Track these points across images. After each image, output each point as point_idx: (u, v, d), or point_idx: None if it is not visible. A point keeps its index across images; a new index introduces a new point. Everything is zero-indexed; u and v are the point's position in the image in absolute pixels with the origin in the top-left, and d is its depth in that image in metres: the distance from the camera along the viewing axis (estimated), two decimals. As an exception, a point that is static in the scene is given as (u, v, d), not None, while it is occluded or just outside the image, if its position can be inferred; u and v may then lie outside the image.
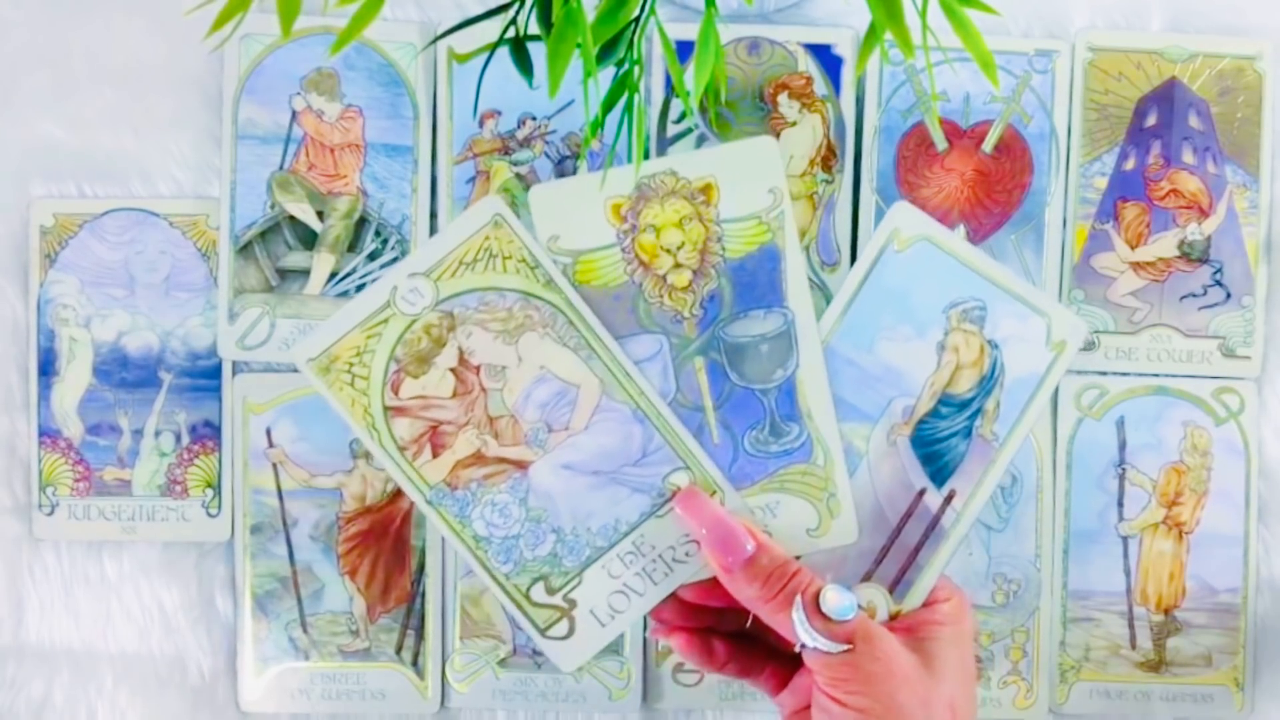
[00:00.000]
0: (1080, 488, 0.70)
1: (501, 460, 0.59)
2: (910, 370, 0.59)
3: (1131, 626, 0.70)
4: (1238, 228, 0.70)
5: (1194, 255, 0.70)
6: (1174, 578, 0.70)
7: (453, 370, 0.59)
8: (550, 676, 0.70)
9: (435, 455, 0.59)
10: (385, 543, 0.70)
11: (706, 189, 0.59)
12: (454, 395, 0.59)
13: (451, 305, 0.59)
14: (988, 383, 0.59)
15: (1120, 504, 0.70)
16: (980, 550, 0.70)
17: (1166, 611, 0.70)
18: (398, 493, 0.69)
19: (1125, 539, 0.70)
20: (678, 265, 0.59)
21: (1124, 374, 0.70)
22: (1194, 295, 0.70)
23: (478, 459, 0.59)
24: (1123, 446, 0.70)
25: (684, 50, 0.68)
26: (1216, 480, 0.70)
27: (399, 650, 0.70)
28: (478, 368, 0.59)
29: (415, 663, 0.70)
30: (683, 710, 0.71)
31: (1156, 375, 0.71)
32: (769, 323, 0.59)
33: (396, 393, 0.59)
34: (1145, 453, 0.70)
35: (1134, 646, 0.70)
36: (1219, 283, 0.70)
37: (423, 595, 0.70)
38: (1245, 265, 0.70)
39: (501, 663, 0.70)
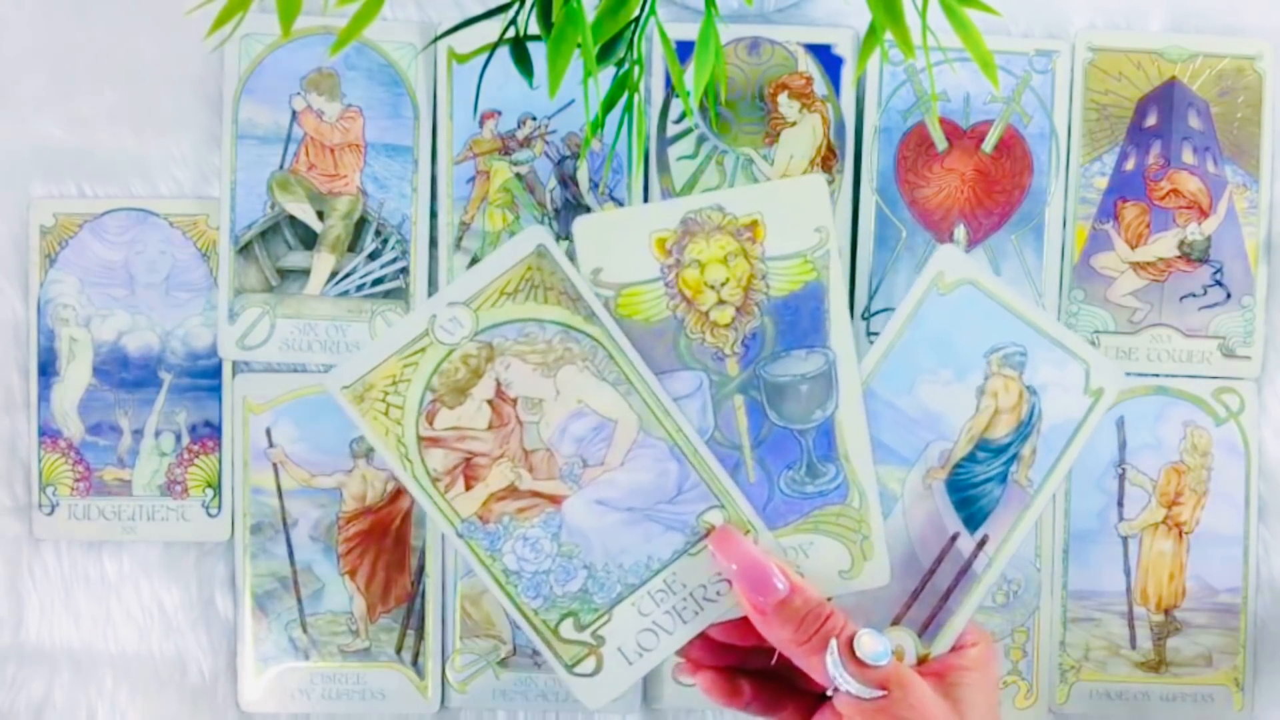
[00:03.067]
0: (1080, 488, 0.70)
1: (535, 494, 0.58)
2: (948, 414, 0.59)
3: (1131, 626, 0.70)
4: (1238, 228, 0.70)
5: (1194, 255, 0.70)
6: (1174, 578, 0.70)
7: (489, 402, 0.58)
8: (550, 676, 0.70)
9: (468, 488, 0.58)
10: (385, 543, 0.70)
11: (753, 225, 0.59)
12: (489, 427, 0.58)
13: (490, 336, 0.58)
14: (1025, 428, 0.59)
15: (1120, 504, 0.70)
16: (980, 550, 0.70)
17: (1166, 611, 0.70)
18: (398, 492, 0.69)
19: (1125, 539, 0.70)
20: (721, 302, 0.59)
21: (1124, 374, 0.70)
22: (1194, 295, 0.70)
23: (511, 492, 0.58)
24: (1123, 446, 0.70)
25: (684, 50, 0.68)
26: (1216, 480, 0.70)
27: (399, 650, 0.70)
28: (515, 400, 0.58)
29: (415, 663, 0.70)
30: (683, 710, 0.71)
31: (1156, 375, 0.71)
32: (810, 363, 0.59)
33: (431, 423, 0.58)
34: (1145, 453, 0.70)
35: (1134, 646, 0.70)
36: (1219, 283, 0.70)
37: (423, 595, 0.70)
38: (1245, 265, 0.70)
39: (501, 663, 0.70)
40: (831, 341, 0.58)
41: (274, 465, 0.69)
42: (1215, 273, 0.70)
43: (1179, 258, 0.70)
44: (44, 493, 0.70)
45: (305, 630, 0.70)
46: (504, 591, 0.58)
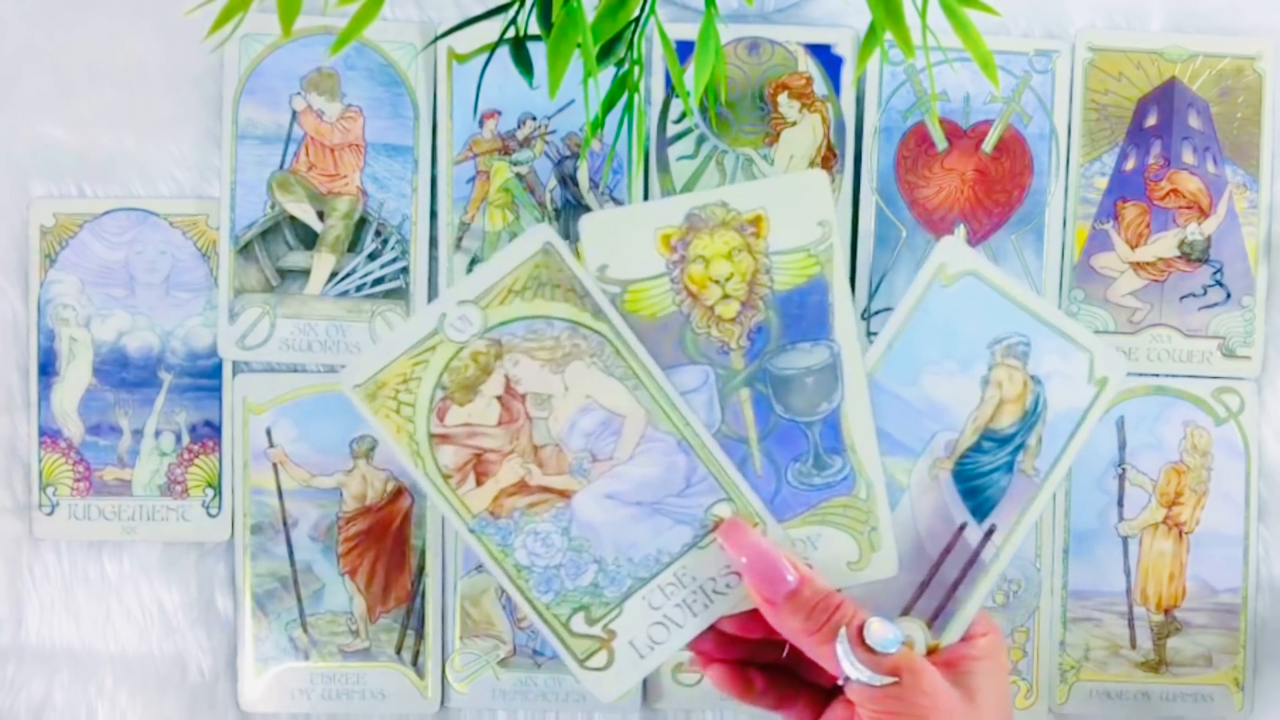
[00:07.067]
0: (1080, 488, 0.70)
1: (545, 489, 0.59)
2: (954, 405, 0.59)
3: (1131, 626, 0.71)
4: (1238, 228, 0.70)
5: (1194, 255, 0.70)
6: (1174, 578, 0.70)
7: (499, 398, 0.59)
8: (550, 676, 0.70)
9: (479, 484, 0.59)
10: (385, 543, 0.70)
11: (756, 221, 0.59)
12: (499, 423, 0.59)
13: (499, 333, 0.58)
14: (1030, 418, 0.59)
15: (1120, 504, 0.70)
16: (980, 550, 0.70)
17: (1166, 611, 0.70)
18: (398, 492, 0.69)
19: (1125, 539, 0.70)
20: (726, 296, 0.59)
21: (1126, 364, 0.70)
22: (1194, 295, 0.70)
23: (521, 488, 0.59)
24: (1123, 446, 0.70)
25: (684, 50, 0.68)
26: (1216, 480, 0.70)
27: (399, 650, 0.70)
28: (524, 396, 0.59)
29: (415, 663, 0.70)
30: (683, 710, 0.71)
31: (1156, 375, 0.71)
32: (815, 355, 0.59)
33: (442, 420, 0.58)
34: (1145, 453, 0.70)
35: (1134, 646, 0.71)
36: (1219, 283, 0.70)
37: (423, 595, 0.70)
38: (1245, 265, 0.70)
39: (501, 663, 0.70)
40: (836, 334, 0.59)
41: (274, 465, 0.70)
42: (1215, 273, 0.70)
43: (1179, 258, 0.70)
44: (44, 493, 0.70)
45: (305, 630, 0.70)
46: (516, 586, 0.58)
